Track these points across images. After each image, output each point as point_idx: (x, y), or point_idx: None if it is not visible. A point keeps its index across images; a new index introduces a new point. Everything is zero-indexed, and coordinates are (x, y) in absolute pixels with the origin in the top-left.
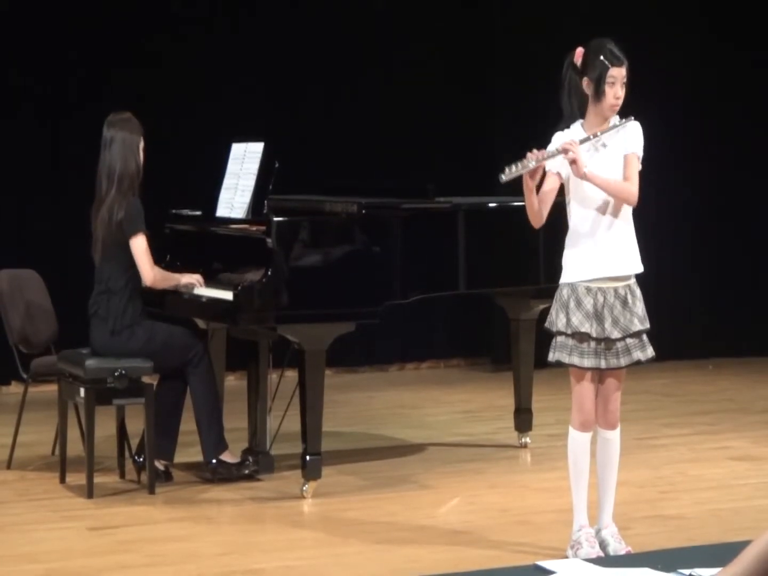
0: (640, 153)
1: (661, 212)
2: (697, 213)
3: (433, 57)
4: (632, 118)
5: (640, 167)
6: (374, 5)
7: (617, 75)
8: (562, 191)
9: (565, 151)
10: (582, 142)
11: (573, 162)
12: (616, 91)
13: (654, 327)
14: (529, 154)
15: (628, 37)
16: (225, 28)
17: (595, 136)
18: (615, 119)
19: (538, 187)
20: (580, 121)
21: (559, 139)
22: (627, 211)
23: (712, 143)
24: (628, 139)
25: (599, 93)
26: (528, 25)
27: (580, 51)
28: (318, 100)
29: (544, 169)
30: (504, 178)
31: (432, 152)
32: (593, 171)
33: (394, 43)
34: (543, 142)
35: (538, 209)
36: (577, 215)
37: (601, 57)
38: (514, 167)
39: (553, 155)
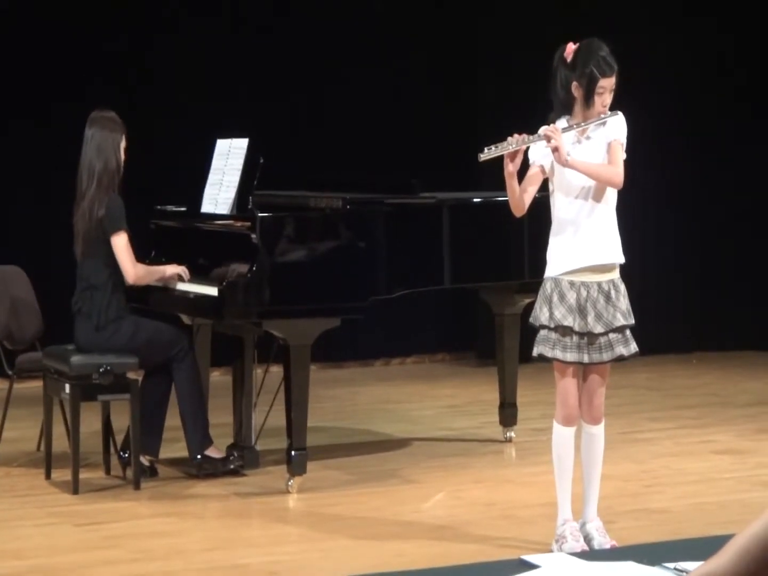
0: (623, 141)
1: (645, 206)
2: (682, 207)
3: (418, 53)
4: (618, 112)
5: (624, 156)
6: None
7: (607, 85)
8: (545, 188)
9: (547, 138)
10: (565, 131)
11: (555, 150)
12: (604, 99)
13: (638, 321)
14: (509, 138)
15: (615, 30)
16: (210, 25)
17: (578, 125)
18: None
19: (520, 179)
20: (566, 117)
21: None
22: (610, 200)
23: (696, 135)
24: (612, 129)
25: (588, 101)
26: (512, 24)
27: (571, 47)
28: (303, 96)
29: (525, 156)
30: (482, 157)
31: (417, 147)
32: (575, 157)
33: (378, 40)
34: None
35: (519, 196)
36: (560, 204)
37: (592, 66)
38: (494, 148)
39: (534, 141)
